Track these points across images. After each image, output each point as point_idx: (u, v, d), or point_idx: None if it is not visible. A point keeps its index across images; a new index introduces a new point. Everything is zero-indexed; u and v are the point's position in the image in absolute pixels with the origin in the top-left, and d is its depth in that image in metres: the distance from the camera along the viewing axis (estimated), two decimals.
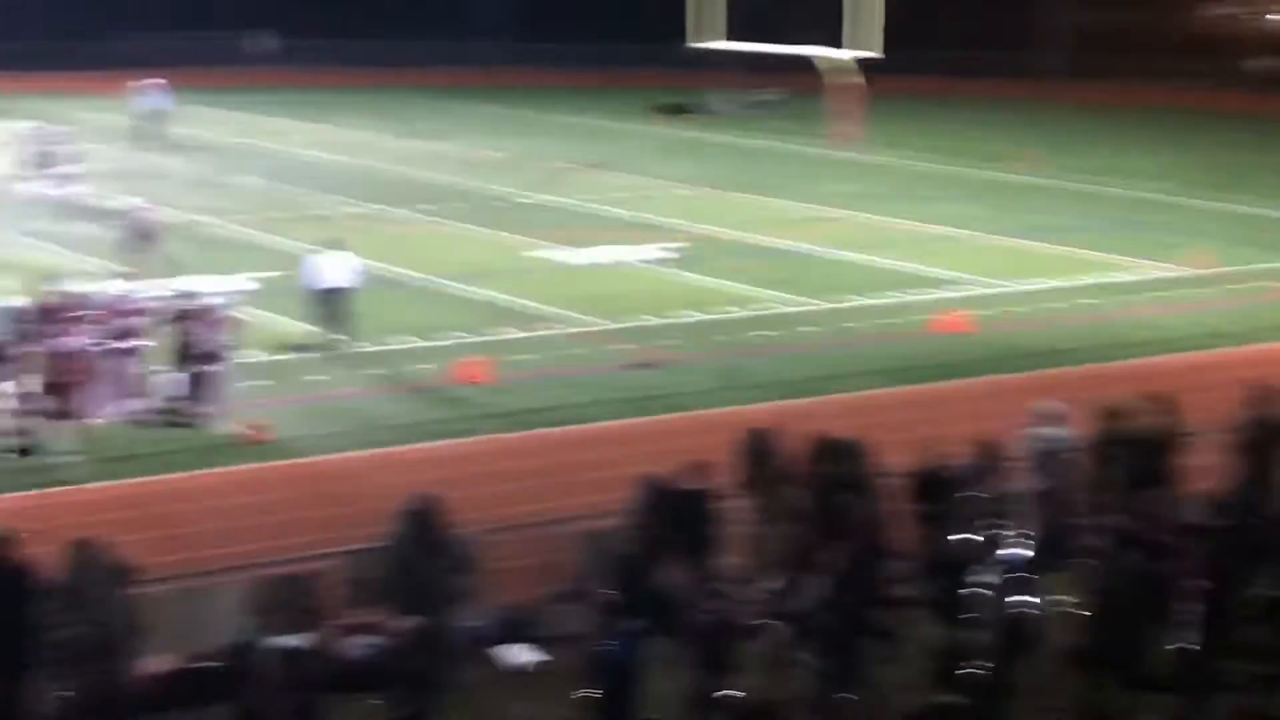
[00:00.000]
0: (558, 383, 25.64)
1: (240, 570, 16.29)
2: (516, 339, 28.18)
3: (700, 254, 35.82)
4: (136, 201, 31.85)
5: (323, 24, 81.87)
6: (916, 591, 16.13)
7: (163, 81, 51.68)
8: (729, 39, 57.49)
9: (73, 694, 13.76)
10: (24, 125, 45.64)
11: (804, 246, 37.03)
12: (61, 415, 21.62)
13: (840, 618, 14.49)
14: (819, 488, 17.06)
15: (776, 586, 15.47)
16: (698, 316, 30.14)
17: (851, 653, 14.66)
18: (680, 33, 71.52)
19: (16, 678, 13.73)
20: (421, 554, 15.28)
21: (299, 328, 27.92)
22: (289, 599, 15.15)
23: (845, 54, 53.43)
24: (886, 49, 51.95)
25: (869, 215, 41.32)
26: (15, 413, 21.88)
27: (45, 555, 14.39)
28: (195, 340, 22.80)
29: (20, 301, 22.63)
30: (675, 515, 16.47)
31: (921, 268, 34.51)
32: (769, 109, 62.94)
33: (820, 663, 14.60)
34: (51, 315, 22.53)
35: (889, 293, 32.23)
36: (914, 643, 15.60)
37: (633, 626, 13.80)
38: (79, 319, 22.39)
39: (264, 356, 26.19)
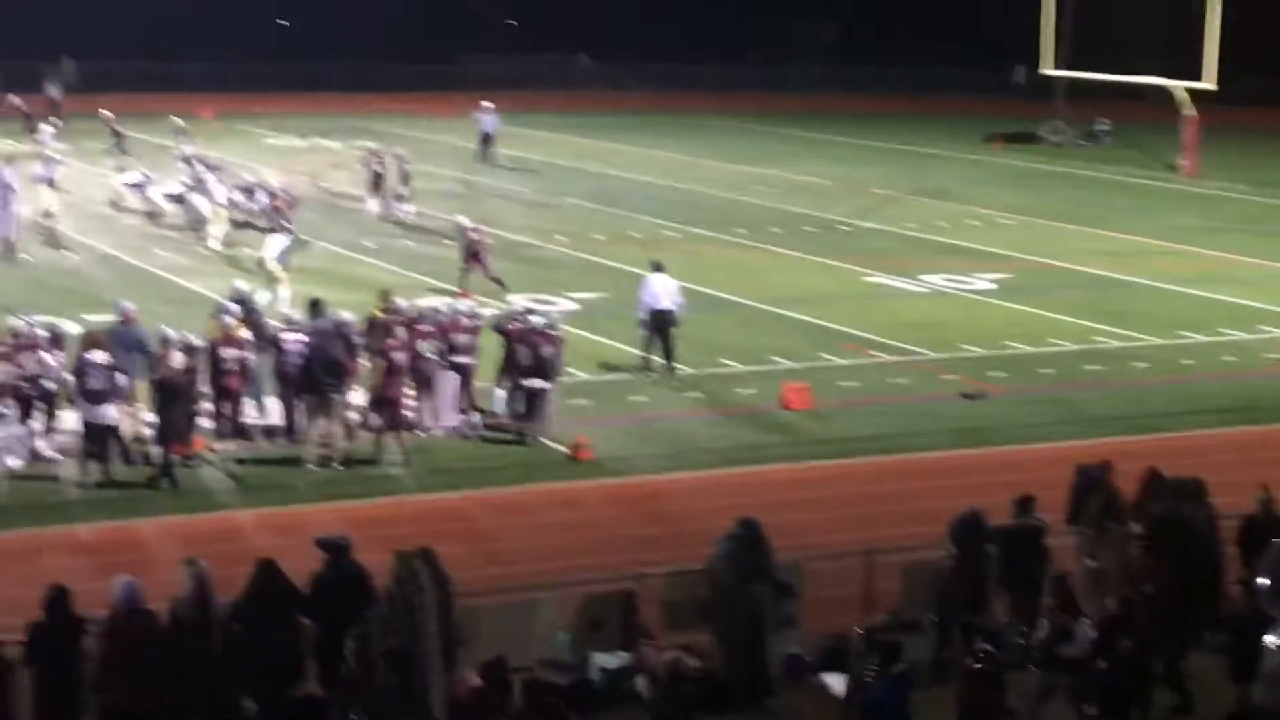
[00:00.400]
0: (880, 410, 25.23)
1: (559, 587, 16.28)
2: (839, 365, 27.85)
3: (1027, 284, 35.03)
4: (465, 221, 32.34)
5: (648, 49, 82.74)
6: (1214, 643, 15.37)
7: (491, 105, 52.61)
8: (1071, 68, 56.39)
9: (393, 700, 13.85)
10: (363, 145, 46.85)
11: (1135, 279, 35.98)
12: (391, 427, 21.97)
13: (1119, 666, 13.77)
14: (1153, 526, 16.39)
15: (1047, 632, 14.78)
16: (1024, 348, 29.43)
17: (1131, 705, 13.91)
18: (1002, 59, 70.32)
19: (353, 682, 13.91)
20: (744, 578, 15.06)
21: (620, 348, 28.01)
22: (610, 617, 15.12)
23: (1180, 84, 51.99)
24: (1223, 80, 50.41)
25: (1204, 249, 39.97)
26: (349, 424, 22.32)
27: (373, 564, 14.56)
28: (522, 357, 22.96)
29: (350, 315, 23.06)
30: (1004, 550, 15.97)
31: (1262, 305, 33.20)
32: (1100, 139, 61.58)
33: (1099, 714, 13.90)
34: (383, 330, 22.96)
35: (1225, 330, 31.06)
36: (1204, 699, 14.84)
37: (901, 668, 13.35)
38: (410, 334, 22.75)
39: (585, 376, 26.31)
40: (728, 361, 27.82)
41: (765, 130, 65.84)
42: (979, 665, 13.49)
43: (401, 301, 24.17)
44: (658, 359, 26.69)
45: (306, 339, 22.30)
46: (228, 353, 21.99)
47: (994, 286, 34.83)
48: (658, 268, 27.12)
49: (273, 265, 29.88)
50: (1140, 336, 30.48)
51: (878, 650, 13.62)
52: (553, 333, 23.38)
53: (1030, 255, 38.60)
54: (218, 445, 22.05)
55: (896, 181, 50.95)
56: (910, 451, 23.32)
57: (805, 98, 76.97)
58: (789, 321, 31.12)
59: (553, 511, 20.66)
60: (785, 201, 46.18)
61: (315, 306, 23.53)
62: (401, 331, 22.73)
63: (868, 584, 16.42)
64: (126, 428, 21.66)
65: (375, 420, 22.18)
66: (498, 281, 31.50)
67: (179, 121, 46.64)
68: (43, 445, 21.55)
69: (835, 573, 16.84)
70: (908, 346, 29.18)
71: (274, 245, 30.60)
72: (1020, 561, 15.96)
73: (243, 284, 24.70)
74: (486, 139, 52.39)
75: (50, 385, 21.39)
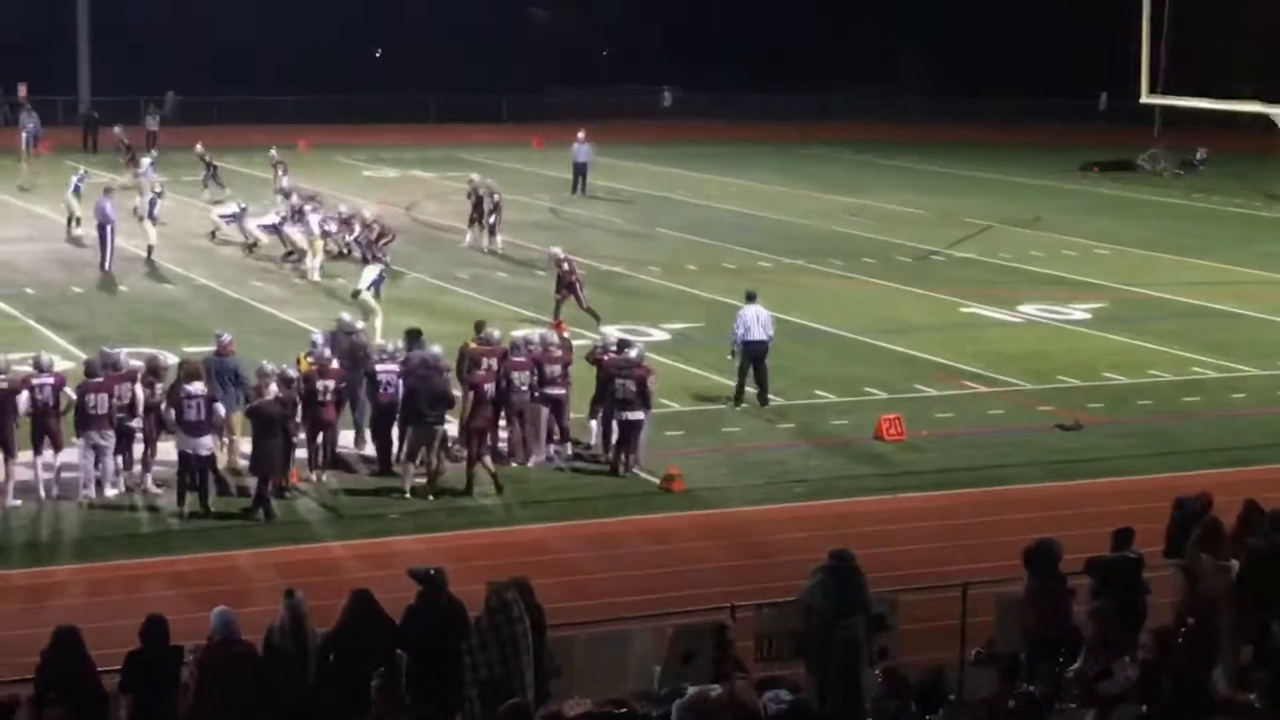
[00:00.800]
0: (976, 442, 25.04)
1: (651, 618, 16.22)
2: (934, 396, 27.67)
3: (1124, 314, 34.70)
4: (559, 251, 32.42)
5: (740, 79, 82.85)
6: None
7: (584, 135, 52.77)
8: (1167, 95, 55.90)
9: None
10: (465, 176, 46.96)
11: (1233, 309, 35.57)
12: (481, 458, 22.01)
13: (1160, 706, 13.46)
14: (1250, 559, 16.13)
15: (1086, 667, 14.51)
16: (1121, 379, 29.14)
17: None
18: (1088, 87, 69.75)
19: (446, 712, 13.91)
20: (837, 610, 14.94)
21: (713, 379, 27.97)
22: (702, 649, 15.03)
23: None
24: None
25: None
26: (441, 454, 22.37)
27: (466, 595, 14.57)
28: (615, 389, 22.93)
29: (427, 349, 23.01)
30: (1102, 583, 15.77)
31: None
32: (1197, 168, 61.02)
33: None
34: (473, 360, 23.03)
35: None
36: None
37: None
38: (502, 365, 22.81)
39: (678, 406, 26.28)
40: (821, 392, 27.71)
41: (859, 160, 65.72)
42: (1014, 704, 13.28)
43: (494, 332, 24.24)
44: (751, 390, 26.61)
45: (401, 370, 22.39)
46: (322, 384, 22.11)
47: (1090, 317, 34.53)
48: (751, 298, 27.05)
49: (367, 296, 30.06)
50: (1239, 367, 30.13)
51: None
52: (644, 363, 23.35)
53: (1127, 285, 38.25)
54: (312, 476, 22.18)
55: (991, 211, 50.67)
56: (1006, 483, 23.12)
57: (899, 127, 76.75)
58: (883, 352, 30.97)
59: (645, 543, 20.63)
60: (880, 231, 46.01)
61: (414, 337, 23.63)
62: (491, 362, 22.80)
63: (963, 617, 16.26)
64: (222, 458, 21.84)
65: (465, 451, 22.24)
66: (591, 312, 31.55)
67: (275, 154, 47.08)
68: (140, 476, 21.76)
69: (930, 606, 16.71)
70: (1003, 377, 28.96)
71: (368, 276, 30.78)
72: (1118, 595, 15.74)
73: (346, 315, 24.86)
74: (580, 169, 52.55)
75: (134, 423, 21.55)
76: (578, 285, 31.70)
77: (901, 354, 30.76)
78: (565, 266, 31.72)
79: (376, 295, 30.36)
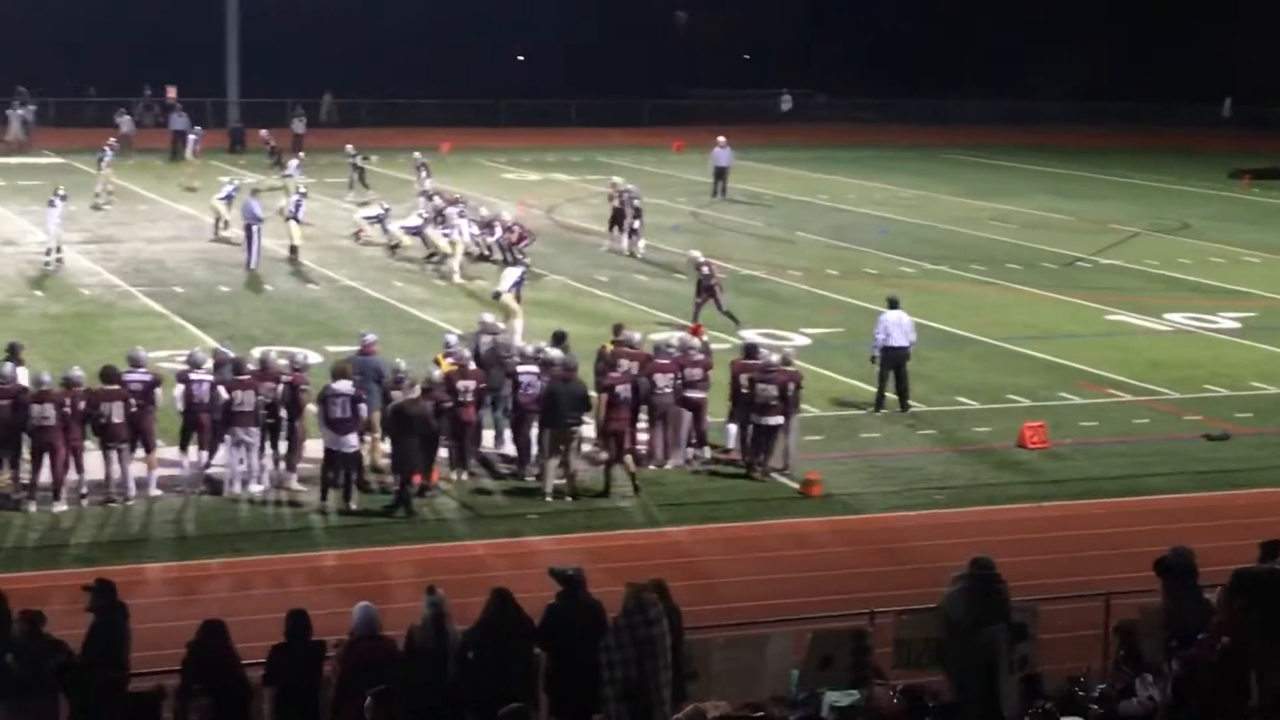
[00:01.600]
0: (1120, 451, 24.69)
1: (789, 623, 16.16)
2: (1077, 404, 27.32)
3: (1274, 324, 34.08)
4: (698, 255, 32.41)
5: (883, 83, 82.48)
6: None
7: (725, 139, 52.77)
8: None
9: None
10: (606, 180, 47.11)
11: None
12: (619, 460, 22.05)
13: None
14: None
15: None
16: (1271, 389, 28.62)
17: None
18: (1210, 92, 68.53)
19: (584, 713, 13.93)
20: (978, 618, 14.78)
21: (853, 384, 27.82)
22: (840, 655, 14.94)
23: None
24: None
25: None
26: (578, 455, 22.46)
27: (603, 596, 14.59)
28: (754, 392, 22.87)
29: (556, 352, 23.07)
30: (1249, 596, 15.46)
31: None
32: None
33: None
34: (611, 363, 23.07)
35: None
36: None
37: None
38: (641, 367, 22.84)
39: (817, 411, 26.16)
40: (963, 399, 27.47)
41: (1003, 165, 65.15)
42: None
43: (634, 335, 24.27)
44: (891, 396, 26.44)
45: (542, 371, 22.48)
46: (463, 384, 22.26)
47: (1239, 326, 33.95)
48: (893, 304, 26.87)
49: (508, 298, 30.24)
50: None
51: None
52: (788, 368, 23.27)
53: (1277, 294, 37.55)
54: (453, 475, 22.33)
55: (1137, 217, 49.99)
56: (1151, 493, 22.78)
57: (1044, 132, 76.02)
58: (1027, 359, 30.64)
59: (783, 547, 20.56)
60: (1024, 237, 45.56)
61: (559, 340, 23.72)
62: (630, 365, 22.83)
63: (1105, 627, 16.03)
64: (365, 456, 22.05)
65: (604, 453, 22.29)
66: (730, 316, 31.50)
67: (419, 156, 47.50)
68: (286, 472, 22.04)
69: (1072, 615, 16.50)
70: (1149, 386, 28.54)
71: (509, 278, 30.98)
72: (1267, 608, 15.43)
73: (488, 316, 25.00)
74: (720, 173, 52.53)
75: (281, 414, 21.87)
76: (717, 289, 31.67)
77: (1045, 361, 30.41)
78: (705, 270, 31.69)
79: (517, 297, 30.53)
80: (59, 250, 37.80)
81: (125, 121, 61.70)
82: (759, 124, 77.39)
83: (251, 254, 37.36)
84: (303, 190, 41.34)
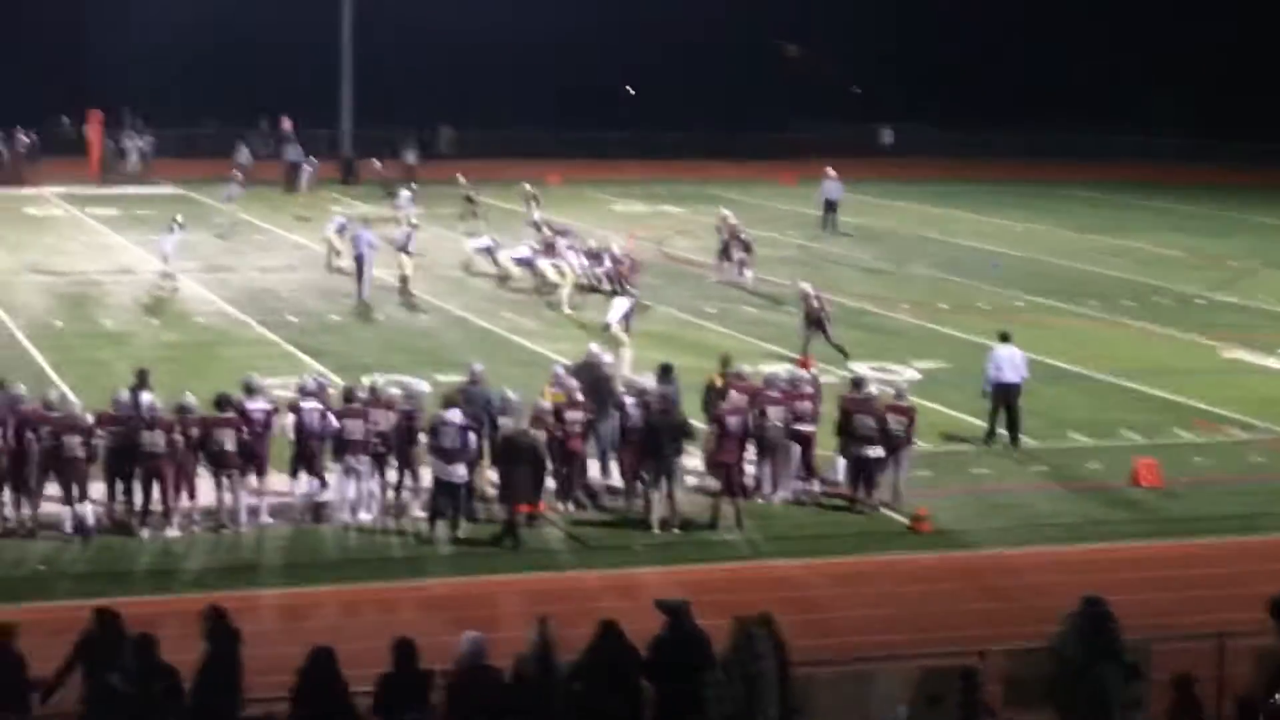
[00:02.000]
0: (1235, 490, 24.35)
1: (898, 659, 16.04)
2: (1191, 442, 26.97)
3: None
4: (808, 287, 32.32)
5: (994, 116, 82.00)
6: None
7: (835, 172, 52.70)
8: None
9: None
10: (715, 211, 47.06)
11: None
12: (727, 492, 22.00)
13: None
14: None
15: None
16: None
17: None
18: None
19: None
20: (1090, 658, 14.61)
21: (963, 419, 27.62)
22: (949, 693, 14.80)
23: None
24: None
25: None
26: (682, 486, 22.44)
27: (709, 629, 14.54)
28: (859, 425, 22.77)
29: (649, 383, 23.04)
30: None
31: None
32: None
33: None
34: (721, 394, 23.03)
35: None
36: None
37: None
38: (750, 400, 22.79)
39: (927, 446, 25.96)
40: (1075, 435, 27.19)
41: (1117, 200, 64.56)
42: None
43: (746, 368, 24.24)
44: (1002, 431, 26.22)
45: (649, 402, 22.48)
46: (571, 415, 22.30)
47: None
48: (1005, 339, 26.67)
49: (616, 329, 30.29)
50: None
51: None
52: (900, 403, 23.15)
53: None
54: (560, 506, 22.37)
55: (1253, 254, 49.37)
56: (1266, 533, 22.44)
57: (1159, 167, 75.25)
58: (1140, 396, 30.29)
59: (891, 583, 20.42)
60: (1137, 272, 45.10)
61: (665, 372, 23.72)
62: (738, 397, 22.78)
63: (1219, 668, 15.78)
64: (474, 486, 22.13)
65: (711, 484, 22.26)
66: (839, 349, 31.39)
67: (529, 187, 47.74)
68: (395, 500, 22.17)
69: (1185, 655, 16.24)
70: (1265, 424, 28.12)
71: (618, 309, 31.04)
72: None
73: (595, 347, 25.03)
74: (830, 206, 52.41)
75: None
76: (826, 322, 31.57)
77: (1159, 398, 30.06)
78: (814, 303, 31.60)
79: (626, 328, 30.59)
80: (173, 277, 38.35)
81: (242, 153, 62.54)
82: (869, 157, 77.17)
83: (362, 284, 37.67)
84: (414, 222, 41.66)
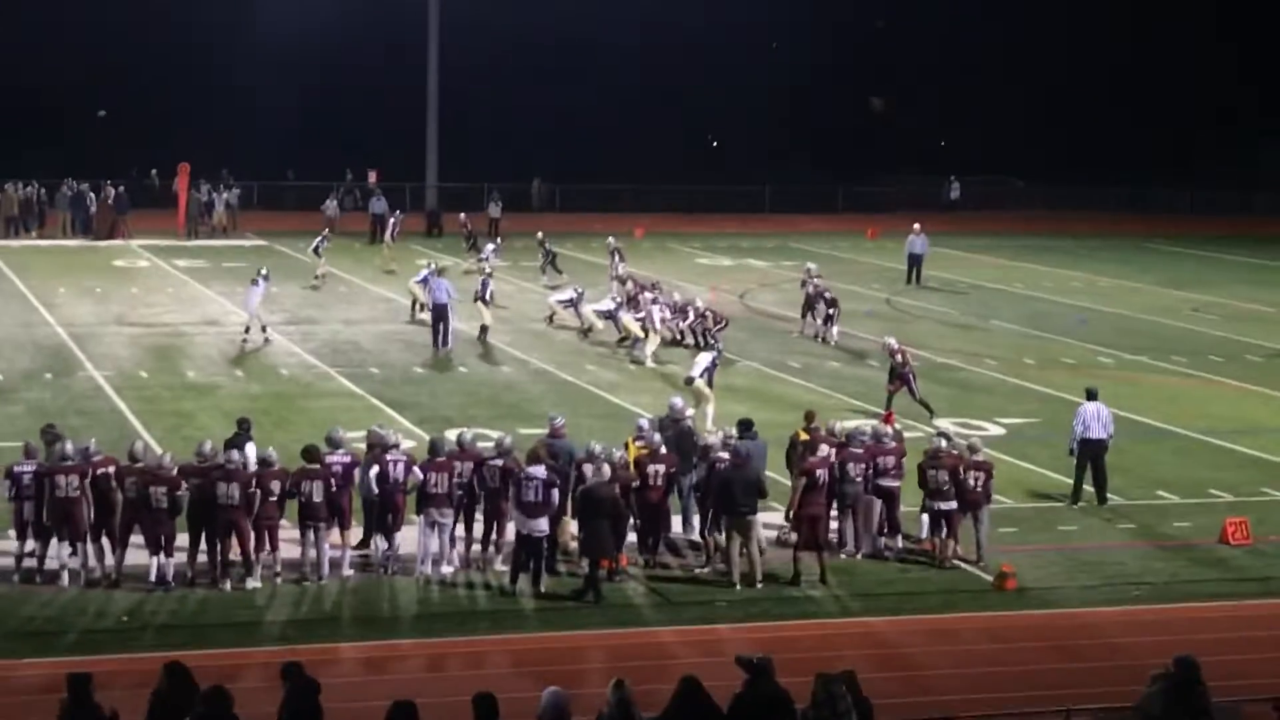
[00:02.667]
0: None
1: (981, 718, 15.85)
2: None
3: None
4: (893, 342, 32.12)
5: (1082, 170, 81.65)
6: None
7: (920, 226, 52.58)
8: None
9: None
10: (802, 266, 46.96)
11: None
12: (811, 547, 21.84)
13: None
14: None
15: None
16: None
17: None
18: None
19: None
20: (1180, 718, 14.37)
21: (1049, 475, 27.35)
22: None
23: None
24: None
25: None
26: (759, 542, 22.30)
27: (792, 686, 14.41)
28: (934, 479, 22.59)
29: (726, 437, 22.95)
30: None
31: None
32: None
33: None
34: (806, 449, 22.88)
35: None
36: None
37: None
38: (835, 454, 22.66)
39: (1012, 503, 25.74)
40: (1163, 493, 26.86)
41: (1204, 255, 64.00)
42: None
43: (834, 423, 24.12)
44: (1089, 488, 25.94)
45: (729, 457, 22.38)
46: (653, 468, 22.23)
47: None
48: (1092, 395, 26.41)
49: (699, 382, 30.23)
50: None
51: None
52: (976, 458, 22.96)
53: None
54: (641, 560, 22.28)
55: None
56: None
57: (1250, 222, 74.60)
58: (1229, 453, 29.90)
59: (976, 640, 20.19)
60: (1227, 329, 44.62)
61: (746, 427, 23.61)
62: (824, 450, 22.65)
63: None
64: (557, 539, 22.08)
65: (795, 539, 22.11)
66: (924, 404, 31.19)
67: (613, 241, 47.84)
68: (475, 554, 22.16)
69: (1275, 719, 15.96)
70: None
71: (701, 362, 30.98)
72: None
73: (678, 401, 24.93)
74: (915, 260, 52.25)
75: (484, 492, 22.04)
76: (911, 377, 31.38)
77: (1249, 455, 29.65)
78: (899, 358, 31.43)
79: (709, 382, 30.51)
80: (264, 329, 38.62)
81: (330, 206, 63.07)
82: (956, 211, 77.01)
83: (443, 335, 37.78)
84: (489, 271, 41.84)
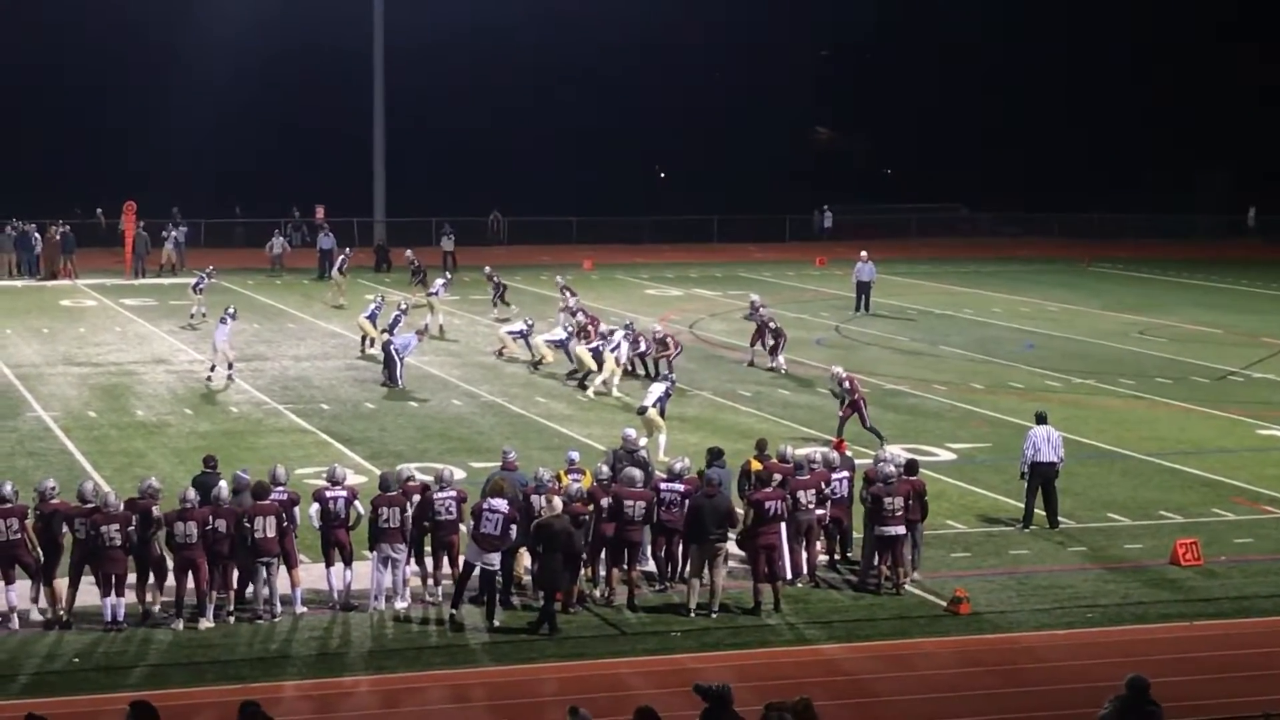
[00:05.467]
0: (1275, 568, 24.07)
1: None
2: (1231, 521, 26.73)
3: None
4: (841, 370, 32.22)
5: (1025, 196, 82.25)
6: None
7: (866, 254, 52.81)
8: None
9: None
10: (747, 295, 47.11)
11: None
12: (766, 577, 21.86)
13: None
14: None
15: None
16: None
17: None
18: None
19: None
20: None
21: (1000, 500, 27.47)
22: None
23: None
24: None
25: None
26: (723, 571, 22.30)
27: (751, 715, 14.41)
28: (890, 507, 22.64)
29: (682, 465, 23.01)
30: None
31: None
32: None
33: None
34: (761, 478, 22.90)
35: None
36: None
37: None
38: (786, 483, 22.70)
39: (963, 528, 25.84)
40: (1114, 515, 27.00)
41: (1150, 278, 64.47)
42: None
43: (786, 447, 24.17)
44: (1040, 512, 26.06)
45: (685, 488, 22.38)
46: (629, 504, 22.15)
47: None
48: (1041, 419, 26.54)
49: (652, 413, 30.25)
50: None
51: None
52: (919, 483, 23.10)
53: None
54: (596, 592, 22.25)
55: None
56: None
57: (1192, 245, 75.20)
58: (1178, 474, 30.07)
59: (930, 666, 20.23)
60: (1173, 351, 44.93)
61: (715, 456, 23.65)
62: (775, 479, 22.68)
63: None
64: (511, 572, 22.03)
65: (748, 568, 22.12)
66: (874, 431, 31.27)
67: (561, 279, 47.87)
68: (427, 588, 22.11)
69: None
70: None
71: (654, 393, 31.01)
72: None
73: (631, 431, 24.94)
74: (863, 288, 52.45)
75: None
76: (861, 404, 31.47)
77: (1197, 476, 29.84)
78: (847, 385, 31.52)
79: (662, 412, 30.53)
80: (230, 367, 38.42)
81: (278, 243, 62.80)
82: (900, 238, 77.36)
83: (394, 371, 37.69)
84: (404, 308, 41.84)
